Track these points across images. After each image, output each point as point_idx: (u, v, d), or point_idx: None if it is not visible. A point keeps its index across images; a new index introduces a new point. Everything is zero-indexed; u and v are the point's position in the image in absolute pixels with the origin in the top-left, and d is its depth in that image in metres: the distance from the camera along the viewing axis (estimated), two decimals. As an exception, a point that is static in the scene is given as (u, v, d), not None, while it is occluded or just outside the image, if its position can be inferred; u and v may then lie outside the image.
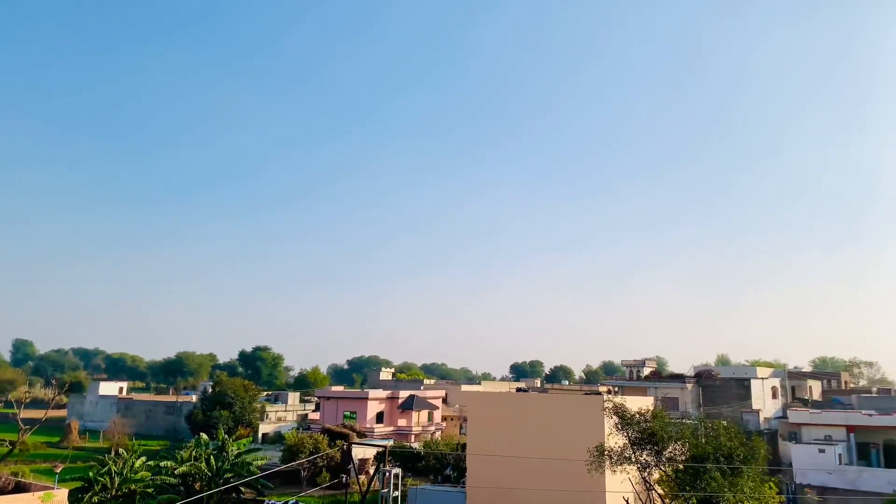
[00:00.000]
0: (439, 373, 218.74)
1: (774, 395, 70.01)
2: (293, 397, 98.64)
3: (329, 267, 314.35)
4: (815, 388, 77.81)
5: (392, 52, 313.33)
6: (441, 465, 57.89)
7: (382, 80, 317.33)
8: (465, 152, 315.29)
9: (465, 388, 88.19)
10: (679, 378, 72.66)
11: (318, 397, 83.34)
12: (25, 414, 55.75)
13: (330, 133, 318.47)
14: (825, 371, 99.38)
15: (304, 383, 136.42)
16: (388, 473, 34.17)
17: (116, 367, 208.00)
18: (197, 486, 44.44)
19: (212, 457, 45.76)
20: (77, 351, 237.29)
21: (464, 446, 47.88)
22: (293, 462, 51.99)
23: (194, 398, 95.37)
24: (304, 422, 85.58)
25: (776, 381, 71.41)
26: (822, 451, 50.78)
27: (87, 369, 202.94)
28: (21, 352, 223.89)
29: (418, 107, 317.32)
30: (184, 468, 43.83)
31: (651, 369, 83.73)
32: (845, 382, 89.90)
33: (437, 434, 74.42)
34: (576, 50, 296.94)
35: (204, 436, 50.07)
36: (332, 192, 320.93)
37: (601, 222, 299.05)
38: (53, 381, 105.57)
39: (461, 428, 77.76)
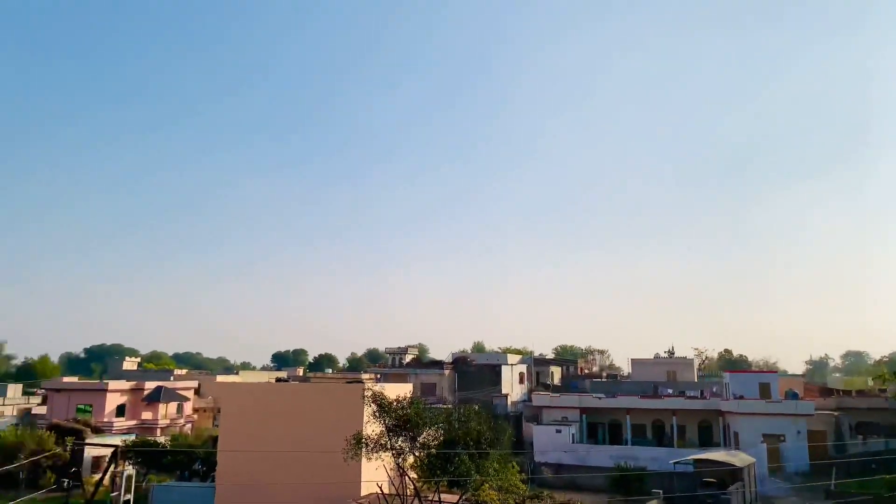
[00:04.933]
0: (193, 362, 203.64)
1: (521, 381, 75.62)
2: (14, 389, 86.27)
3: (58, 243, 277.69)
4: (556, 374, 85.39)
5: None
6: (190, 459, 54.10)
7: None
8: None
9: (220, 378, 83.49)
10: (438, 364, 75.45)
11: (46, 389, 74.11)
12: None
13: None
14: (565, 358, 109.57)
15: (29, 374, 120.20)
16: (120, 475, 30.60)
17: None
18: None
19: None
20: None
21: (215, 439, 44.88)
22: (9, 463, 45.16)
23: None
24: (26, 417, 75.29)
25: (523, 368, 77.11)
26: (558, 431, 55.80)
27: None
28: None
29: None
30: None
31: (413, 356, 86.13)
32: (581, 368, 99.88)
33: (188, 427, 69.88)
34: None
35: None
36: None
37: (372, 212, 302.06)
38: None
39: (214, 420, 73.64)
